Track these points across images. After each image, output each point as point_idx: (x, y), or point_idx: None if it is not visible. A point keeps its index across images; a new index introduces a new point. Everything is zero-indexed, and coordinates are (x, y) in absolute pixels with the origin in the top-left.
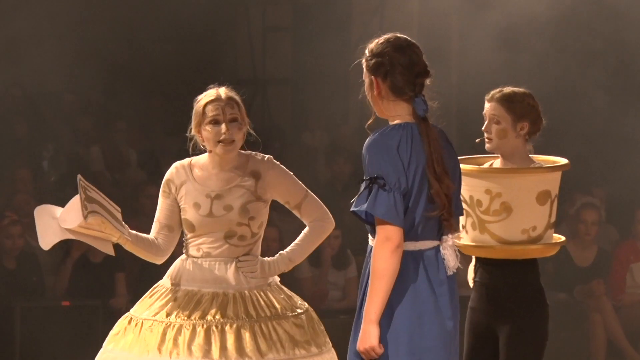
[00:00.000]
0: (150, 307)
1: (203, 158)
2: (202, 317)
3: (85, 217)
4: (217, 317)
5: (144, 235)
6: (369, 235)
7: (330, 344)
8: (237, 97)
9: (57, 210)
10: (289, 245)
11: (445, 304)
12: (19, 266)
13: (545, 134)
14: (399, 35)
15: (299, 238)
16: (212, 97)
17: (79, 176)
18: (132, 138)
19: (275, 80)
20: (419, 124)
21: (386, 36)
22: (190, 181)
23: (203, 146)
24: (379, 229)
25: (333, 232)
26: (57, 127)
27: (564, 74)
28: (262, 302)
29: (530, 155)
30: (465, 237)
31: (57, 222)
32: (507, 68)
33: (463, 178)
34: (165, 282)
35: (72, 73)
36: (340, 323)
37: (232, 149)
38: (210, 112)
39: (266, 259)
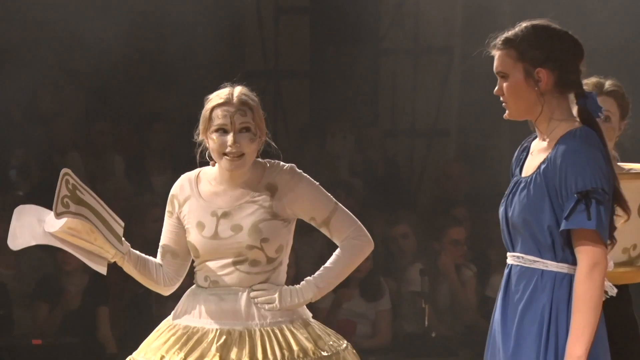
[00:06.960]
0: (149, 346)
1: (212, 170)
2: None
3: (57, 215)
4: None
5: (149, 257)
6: (524, 255)
7: None
8: (252, 102)
9: (47, 215)
10: (312, 271)
11: None
12: None
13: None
14: (549, 22)
15: (329, 261)
16: (221, 100)
17: (65, 170)
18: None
19: (290, 72)
20: (594, 127)
21: (536, 22)
22: (194, 197)
23: (209, 157)
24: (588, 250)
25: None
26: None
27: None
28: (275, 344)
29: (618, 163)
30: None
31: (41, 225)
32: None
33: None
34: (171, 315)
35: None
36: None
37: (240, 164)
38: (217, 118)
39: (288, 287)
